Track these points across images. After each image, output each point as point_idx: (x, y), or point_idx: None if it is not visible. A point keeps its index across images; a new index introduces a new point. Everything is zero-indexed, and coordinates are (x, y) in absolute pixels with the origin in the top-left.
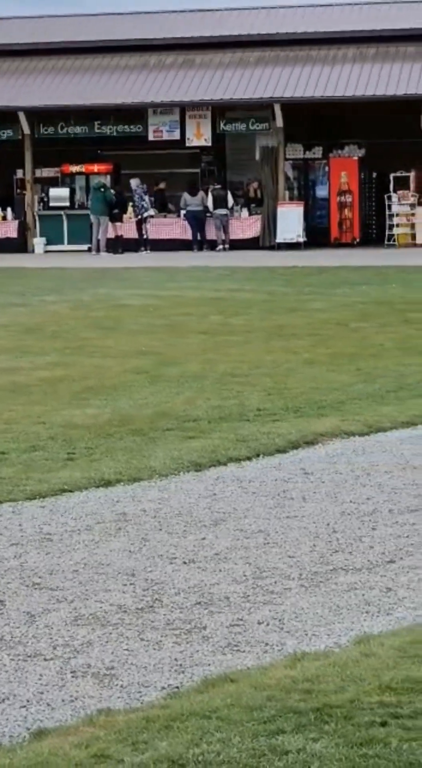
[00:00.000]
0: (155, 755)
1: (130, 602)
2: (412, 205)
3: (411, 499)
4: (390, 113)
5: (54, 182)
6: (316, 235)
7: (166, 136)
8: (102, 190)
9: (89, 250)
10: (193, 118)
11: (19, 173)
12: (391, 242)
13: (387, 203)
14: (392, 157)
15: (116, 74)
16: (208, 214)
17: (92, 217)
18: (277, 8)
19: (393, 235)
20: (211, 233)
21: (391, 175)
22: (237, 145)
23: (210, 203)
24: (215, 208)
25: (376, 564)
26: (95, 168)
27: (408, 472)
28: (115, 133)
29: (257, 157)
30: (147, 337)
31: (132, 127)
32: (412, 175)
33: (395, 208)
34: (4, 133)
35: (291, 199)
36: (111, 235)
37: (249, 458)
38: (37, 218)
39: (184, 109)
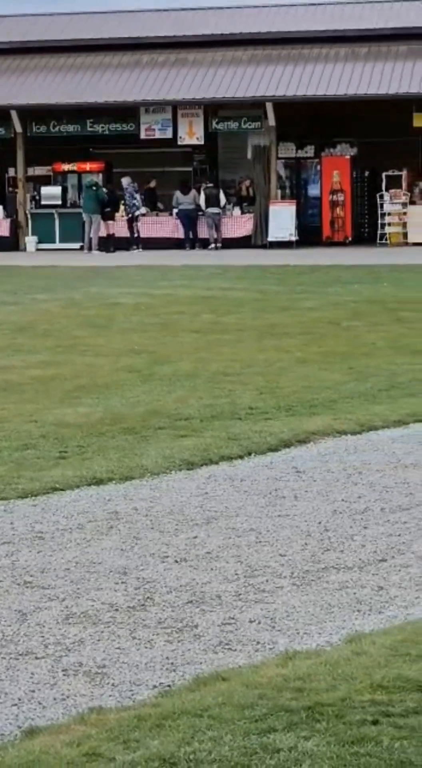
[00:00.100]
0: (146, 754)
1: (122, 601)
2: (404, 204)
3: (402, 498)
4: (383, 112)
5: (46, 181)
6: (308, 234)
7: (158, 135)
8: (94, 188)
9: (81, 248)
10: (185, 116)
11: (11, 172)
12: (383, 241)
13: (379, 202)
14: (384, 156)
15: (108, 72)
16: (200, 213)
17: (84, 216)
18: (269, 7)
19: (385, 233)
20: (203, 232)
21: (383, 174)
22: (230, 144)
23: (202, 202)
24: (207, 206)
25: (368, 562)
26: (87, 166)
27: (400, 470)
28: (107, 132)
29: (249, 155)
30: (139, 335)
31: (124, 125)
32: (404, 173)
33: (387, 207)
34: None
35: (283, 197)
36: (103, 233)
37: (241, 457)
38: (29, 217)
39: (176, 107)
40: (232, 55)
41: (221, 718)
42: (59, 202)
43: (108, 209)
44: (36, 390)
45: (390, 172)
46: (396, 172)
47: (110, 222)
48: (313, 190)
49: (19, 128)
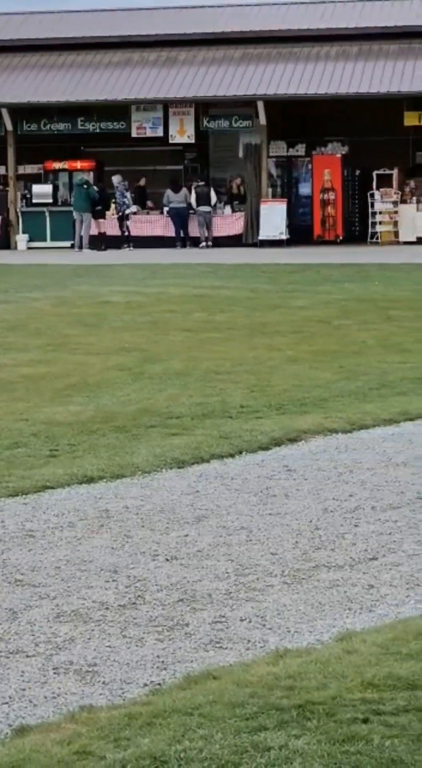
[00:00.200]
0: (137, 752)
1: (113, 599)
2: (395, 203)
3: (393, 497)
4: (374, 111)
5: (37, 179)
6: (299, 233)
7: (149, 133)
8: (85, 186)
9: (72, 246)
10: (176, 115)
11: (2, 170)
12: (374, 240)
13: (370, 201)
14: (375, 154)
15: (99, 71)
16: (191, 211)
17: (75, 214)
18: (261, 5)
19: (376, 232)
20: (194, 230)
21: (374, 173)
22: (221, 143)
23: (193, 200)
24: (198, 205)
25: (358, 561)
26: (78, 165)
27: (391, 469)
28: (98, 130)
29: (240, 154)
30: (130, 334)
31: (115, 123)
32: (395, 172)
33: (378, 206)
34: None
35: (274, 196)
36: (94, 231)
37: (231, 455)
38: (19, 215)
39: (167, 105)
40: (223, 53)
41: (212, 717)
42: (50, 201)
43: (99, 207)
44: (27, 388)
45: (381, 171)
46: (387, 171)
47: (101, 220)
48: (304, 189)
49: (9, 126)
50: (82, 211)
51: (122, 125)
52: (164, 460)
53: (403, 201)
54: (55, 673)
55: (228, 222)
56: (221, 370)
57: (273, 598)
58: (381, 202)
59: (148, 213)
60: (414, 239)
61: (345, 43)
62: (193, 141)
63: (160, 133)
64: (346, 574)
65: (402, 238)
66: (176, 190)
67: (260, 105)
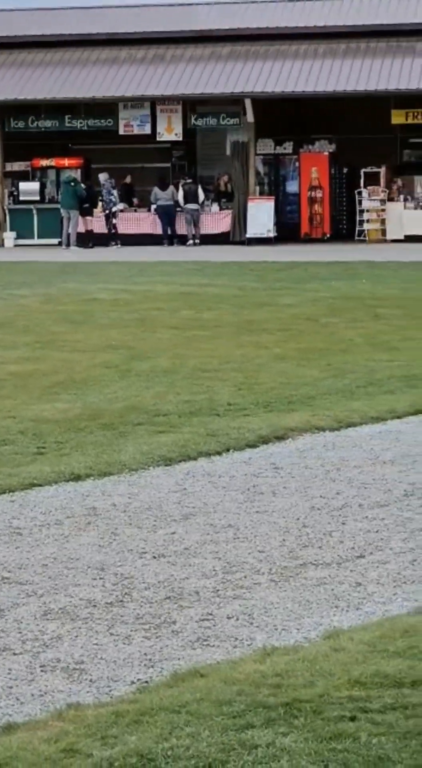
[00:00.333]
0: (124, 750)
1: (100, 597)
2: (382, 201)
3: (380, 494)
4: (361, 109)
5: (24, 176)
6: (287, 231)
7: (136, 131)
8: (72, 184)
9: (59, 244)
10: (163, 112)
11: None
12: (361, 238)
13: (357, 199)
14: (362, 152)
15: (87, 68)
16: (179, 209)
17: (62, 212)
18: (248, 3)
19: (363, 230)
20: (182, 228)
21: (362, 171)
22: (208, 140)
23: (180, 198)
24: (186, 202)
25: (346, 559)
26: (65, 162)
27: (378, 467)
28: (85, 128)
29: (228, 152)
30: (117, 331)
31: (102, 121)
32: (382, 170)
33: (365, 204)
34: None
35: (261, 194)
36: (81, 229)
37: (219, 453)
38: (7, 212)
39: (154, 103)
40: (211, 51)
41: (199, 714)
42: (37, 198)
43: (86, 205)
44: (14, 385)
45: (368, 169)
46: (375, 169)
47: (88, 218)
48: (292, 187)
49: None
50: (69, 209)
51: (110, 123)
52: (151, 457)
53: (390, 199)
54: (42, 670)
55: (216, 220)
56: (208, 368)
57: (260, 596)
58: (369, 200)
59: (135, 211)
60: (402, 237)
61: (333, 40)
62: (180, 139)
63: (147, 130)
64: (333, 571)
65: (389, 236)
66: (163, 188)
67: (248, 103)
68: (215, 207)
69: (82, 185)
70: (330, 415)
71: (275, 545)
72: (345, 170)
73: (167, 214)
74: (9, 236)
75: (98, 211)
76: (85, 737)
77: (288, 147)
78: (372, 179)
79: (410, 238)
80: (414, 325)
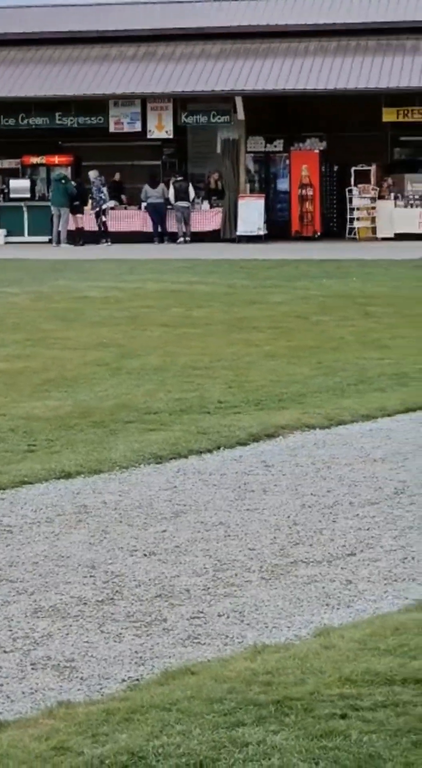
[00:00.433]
0: (115, 747)
1: (90, 594)
2: (373, 199)
3: (371, 492)
4: (352, 107)
5: (14, 173)
6: (277, 228)
7: (127, 128)
8: (63, 181)
9: (50, 241)
10: (154, 110)
11: None
12: (352, 236)
13: (348, 197)
14: (353, 150)
15: (77, 65)
16: (169, 207)
17: (53, 209)
18: (239, 1)
19: (353, 228)
20: (172, 225)
21: (352, 169)
22: (199, 138)
23: (171, 195)
24: (176, 200)
25: (336, 556)
26: (56, 159)
27: (369, 465)
28: (76, 125)
29: (218, 149)
30: (108, 329)
31: (93, 118)
32: (373, 168)
33: (356, 202)
34: None
35: (252, 192)
36: (72, 226)
37: (210, 451)
38: None
39: (145, 101)
40: (202, 48)
41: (190, 712)
42: (28, 195)
43: (77, 203)
44: (4, 383)
45: (359, 167)
46: (365, 167)
47: (79, 215)
48: (282, 185)
49: None
50: (59, 206)
51: (100, 120)
52: (142, 455)
53: (381, 197)
54: (32, 668)
55: (206, 217)
56: (199, 366)
57: (251, 594)
58: (359, 198)
59: (126, 208)
60: (392, 235)
61: (324, 38)
62: (171, 136)
63: (138, 128)
64: (324, 569)
65: (379, 234)
66: (154, 186)
67: (238, 100)
68: (206, 205)
69: (73, 183)
70: (320, 413)
71: (266, 543)
72: (335, 168)
73: (158, 212)
74: None
75: (88, 208)
76: (76, 735)
77: (278, 145)
78: (363, 177)
79: (400, 237)
80: (405, 323)
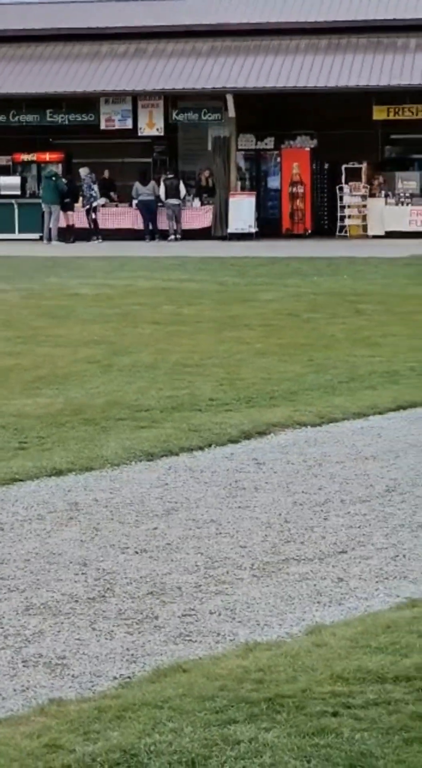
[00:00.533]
0: (107, 745)
1: (82, 592)
2: (364, 197)
3: (362, 490)
4: (343, 105)
5: (5, 171)
6: (268, 226)
7: (117, 126)
8: (53, 179)
9: (41, 239)
10: (145, 107)
11: None
12: (343, 233)
13: (338, 194)
14: (344, 148)
15: (68, 62)
16: (160, 204)
17: (44, 206)
18: None
19: (344, 226)
20: (163, 223)
21: (343, 167)
22: (190, 135)
23: (161, 193)
24: (167, 197)
25: (328, 554)
26: (47, 156)
27: (360, 462)
28: (66, 122)
29: (209, 147)
30: (99, 326)
31: (84, 115)
32: (364, 166)
33: (347, 200)
34: None
35: (243, 189)
36: (62, 224)
37: (201, 448)
38: None
39: (136, 98)
40: (193, 46)
41: (181, 710)
42: (18, 192)
43: (67, 200)
44: None
45: (349, 165)
46: (356, 165)
47: (70, 213)
48: (273, 182)
49: None
50: (50, 204)
51: (91, 117)
52: (133, 452)
53: (372, 195)
54: (24, 666)
55: (197, 215)
56: (190, 363)
57: (242, 591)
58: (350, 195)
59: (116, 206)
60: (382, 233)
61: (314, 36)
62: (162, 134)
63: (129, 125)
64: (316, 567)
65: (370, 232)
66: (145, 183)
67: (229, 98)
68: (196, 202)
69: (63, 180)
70: (312, 411)
71: (257, 540)
72: (326, 166)
73: (148, 209)
74: None
75: (79, 206)
76: (68, 733)
77: (269, 142)
78: (354, 175)
79: (391, 234)
80: (395, 320)
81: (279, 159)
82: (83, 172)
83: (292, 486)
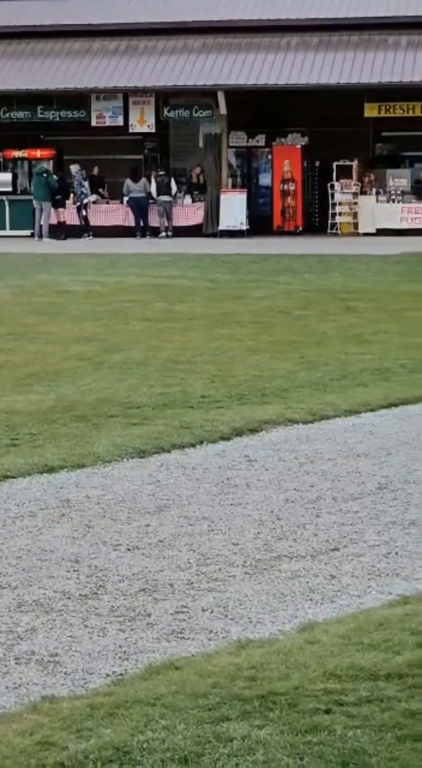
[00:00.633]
0: (100, 742)
1: (74, 589)
2: (355, 194)
3: (354, 487)
4: (334, 102)
5: None
6: (259, 223)
7: (109, 122)
8: (45, 175)
9: (32, 235)
10: (136, 104)
11: None
12: (334, 231)
13: (330, 192)
14: (335, 145)
15: (59, 59)
16: (151, 201)
17: (35, 203)
18: None
19: (335, 223)
20: (154, 220)
21: (334, 164)
22: (181, 132)
23: (153, 190)
24: (158, 194)
25: (320, 551)
26: (38, 153)
27: (352, 460)
28: (58, 119)
29: (200, 144)
30: (90, 323)
31: (75, 112)
32: (355, 164)
33: (338, 197)
34: None
35: (234, 186)
36: (54, 221)
37: (193, 445)
38: None
39: (127, 95)
40: (184, 43)
41: (174, 707)
42: (9, 189)
43: (58, 197)
44: None
45: (340, 162)
46: (347, 162)
47: (61, 209)
48: (264, 180)
49: None
50: (41, 200)
51: (82, 114)
52: (125, 449)
53: (363, 192)
54: (16, 663)
55: (188, 212)
56: (181, 360)
57: (235, 589)
58: (341, 193)
59: (107, 203)
60: (374, 230)
61: (306, 33)
62: (153, 130)
63: (120, 122)
64: (308, 564)
65: (361, 230)
66: (136, 180)
67: (220, 95)
68: (188, 199)
69: (55, 176)
70: (303, 408)
71: (249, 538)
72: (317, 163)
73: (140, 206)
74: None
75: (70, 202)
76: (60, 730)
77: (260, 140)
78: (345, 172)
79: (382, 232)
80: (386, 317)
81: (270, 156)
82: (74, 168)
83: (284, 483)
